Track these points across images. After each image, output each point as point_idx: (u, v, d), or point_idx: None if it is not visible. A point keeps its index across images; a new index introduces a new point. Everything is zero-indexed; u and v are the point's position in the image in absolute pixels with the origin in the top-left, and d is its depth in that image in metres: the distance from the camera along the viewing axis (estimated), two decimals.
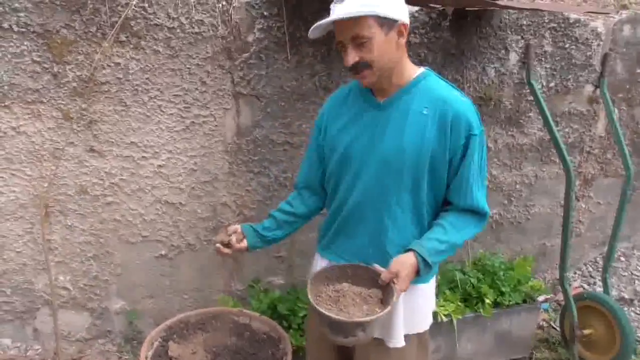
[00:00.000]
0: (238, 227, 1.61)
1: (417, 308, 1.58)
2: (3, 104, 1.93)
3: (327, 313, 1.33)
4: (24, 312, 2.18)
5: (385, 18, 1.34)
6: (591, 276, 3.18)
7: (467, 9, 2.38)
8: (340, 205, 1.58)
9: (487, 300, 2.56)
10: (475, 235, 1.50)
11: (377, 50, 1.36)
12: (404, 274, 1.38)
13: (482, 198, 1.48)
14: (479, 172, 1.47)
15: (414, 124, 1.43)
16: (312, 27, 1.40)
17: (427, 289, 1.60)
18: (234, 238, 1.57)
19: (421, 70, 1.49)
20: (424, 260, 1.39)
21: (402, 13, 1.39)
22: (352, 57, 1.37)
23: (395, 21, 1.36)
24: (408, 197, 1.47)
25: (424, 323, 1.63)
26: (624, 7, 3.19)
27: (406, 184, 1.46)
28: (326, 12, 2.22)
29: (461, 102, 1.43)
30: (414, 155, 1.43)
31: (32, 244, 2.11)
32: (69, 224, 2.14)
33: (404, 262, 1.39)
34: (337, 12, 1.34)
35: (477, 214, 1.48)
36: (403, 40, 1.40)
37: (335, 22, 1.38)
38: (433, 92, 1.44)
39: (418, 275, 1.42)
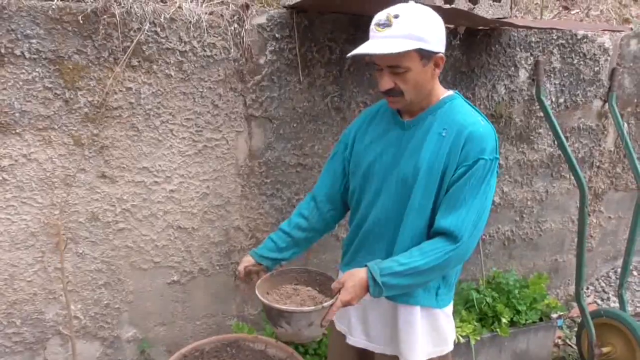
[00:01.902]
0: (251, 260, 1.65)
1: (435, 331, 1.59)
2: (14, 131, 1.90)
3: (257, 293, 1.43)
4: (34, 342, 2.12)
5: (426, 50, 1.33)
6: (604, 291, 3.15)
7: (479, 27, 2.38)
8: (361, 221, 1.59)
9: (504, 320, 2.53)
10: (446, 259, 1.38)
11: (413, 81, 1.37)
12: (348, 285, 1.38)
13: (462, 221, 1.37)
14: (472, 197, 1.38)
15: (431, 144, 1.43)
16: (352, 52, 1.38)
17: (444, 314, 1.60)
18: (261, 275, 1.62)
19: (449, 93, 1.49)
20: (373, 278, 1.36)
21: (442, 44, 1.38)
22: (387, 83, 1.38)
23: (435, 53, 1.36)
24: (418, 216, 1.46)
25: (445, 346, 1.63)
26: (627, 21, 3.23)
27: (416, 203, 1.45)
28: (339, 32, 2.23)
29: (480, 126, 1.41)
30: (425, 176, 1.43)
31: (42, 273, 2.06)
32: (80, 251, 2.09)
33: (353, 275, 1.40)
34: (380, 41, 1.32)
35: (449, 237, 1.38)
36: (438, 71, 1.40)
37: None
38: (455, 115, 1.44)
39: (369, 292, 1.39)
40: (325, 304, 1.36)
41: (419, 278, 1.40)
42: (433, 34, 1.34)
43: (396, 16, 1.32)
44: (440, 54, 1.37)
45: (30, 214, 1.99)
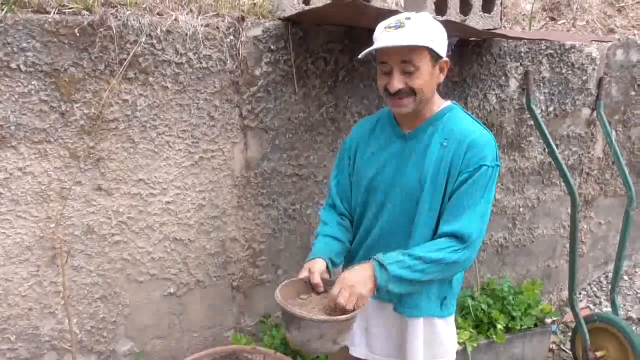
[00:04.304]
0: (323, 266, 1.49)
1: (438, 341, 1.59)
2: (10, 145, 1.89)
3: (277, 292, 1.35)
4: (29, 358, 2.08)
5: (436, 52, 1.38)
6: (596, 296, 3.19)
7: (471, 39, 2.43)
8: (366, 234, 1.59)
9: (500, 326, 2.55)
10: (455, 260, 1.38)
11: (423, 81, 1.39)
12: (347, 273, 1.34)
13: (469, 226, 1.38)
14: (476, 203, 1.40)
15: (433, 156, 1.45)
16: (365, 51, 1.40)
17: (447, 324, 1.60)
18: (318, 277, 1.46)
19: (447, 103, 1.51)
20: (381, 265, 1.33)
21: (446, 51, 1.43)
22: (398, 82, 1.38)
23: (441, 57, 1.40)
24: (426, 227, 1.47)
25: (447, 357, 1.63)
26: (612, 31, 3.30)
27: (424, 214, 1.46)
28: (334, 44, 2.26)
29: (481, 135, 1.44)
30: (430, 187, 1.44)
31: (38, 287, 2.03)
32: (76, 265, 2.08)
33: (355, 267, 1.37)
34: (395, 36, 1.35)
35: (457, 238, 1.38)
36: (442, 77, 1.44)
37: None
38: (455, 125, 1.46)
39: (376, 282, 1.32)
40: (340, 318, 1.27)
41: (421, 272, 1.35)
42: (441, 39, 1.39)
43: (408, 19, 1.36)
44: (446, 59, 1.42)
45: (25, 227, 1.97)
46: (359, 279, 1.33)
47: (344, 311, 1.31)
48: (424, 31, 1.35)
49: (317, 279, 1.41)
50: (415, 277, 1.36)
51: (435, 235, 1.46)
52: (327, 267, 1.48)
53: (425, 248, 1.39)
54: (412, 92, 1.39)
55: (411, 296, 1.51)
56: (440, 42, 1.39)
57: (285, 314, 1.31)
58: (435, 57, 1.39)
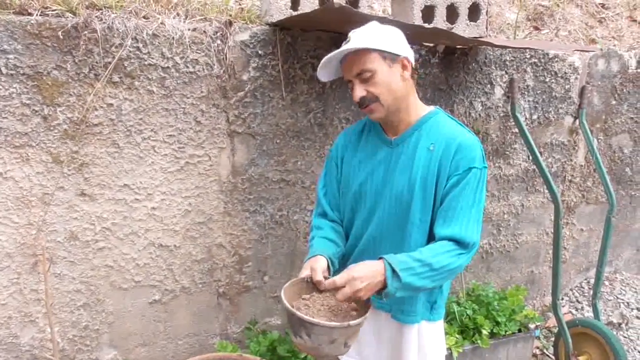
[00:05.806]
0: (324, 265, 1.46)
1: (426, 346, 1.60)
2: None
3: (282, 296, 1.32)
4: None
5: (387, 52, 1.40)
6: (578, 301, 3.24)
7: (457, 46, 2.45)
8: (356, 239, 1.59)
9: (484, 331, 2.57)
10: (459, 265, 1.39)
11: (383, 83, 1.41)
12: (357, 269, 1.31)
13: (466, 229, 1.39)
14: (469, 205, 1.41)
15: (421, 160, 1.46)
16: (319, 67, 1.48)
17: (438, 328, 1.61)
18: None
19: (431, 108, 1.54)
20: (392, 268, 1.30)
21: (405, 49, 1.46)
22: (359, 91, 1.43)
23: (397, 55, 1.42)
24: (419, 231, 1.48)
25: None
26: (593, 41, 3.37)
27: (416, 218, 1.47)
28: (322, 49, 2.26)
29: (467, 137, 1.46)
30: (420, 191, 1.45)
31: (18, 295, 1.98)
32: (58, 272, 2.03)
33: (365, 262, 1.34)
34: (341, 49, 1.43)
35: (458, 242, 1.39)
36: (408, 74, 1.46)
37: (343, 64, 1.46)
38: (440, 129, 1.48)
39: (385, 286, 1.30)
40: (352, 323, 1.27)
41: (429, 278, 1.34)
42: (391, 39, 1.43)
43: (354, 31, 1.44)
44: (405, 56, 1.44)
45: (5, 234, 1.92)
46: (368, 281, 1.29)
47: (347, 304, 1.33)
48: (368, 36, 1.41)
49: (319, 276, 1.39)
50: (422, 284, 1.35)
51: (428, 238, 1.47)
52: (328, 265, 1.47)
53: (431, 253, 1.37)
54: (375, 97, 1.43)
55: (408, 303, 1.52)
56: (390, 41, 1.42)
57: (294, 319, 1.28)
58: (389, 56, 1.41)
